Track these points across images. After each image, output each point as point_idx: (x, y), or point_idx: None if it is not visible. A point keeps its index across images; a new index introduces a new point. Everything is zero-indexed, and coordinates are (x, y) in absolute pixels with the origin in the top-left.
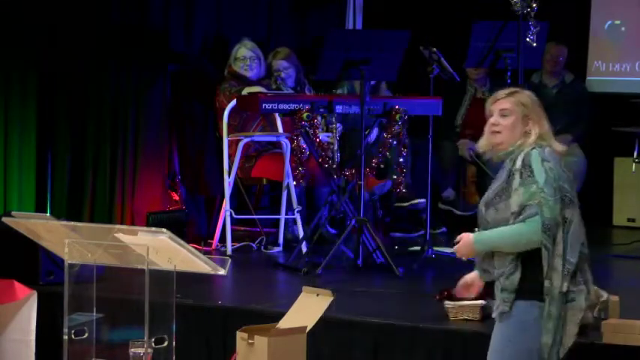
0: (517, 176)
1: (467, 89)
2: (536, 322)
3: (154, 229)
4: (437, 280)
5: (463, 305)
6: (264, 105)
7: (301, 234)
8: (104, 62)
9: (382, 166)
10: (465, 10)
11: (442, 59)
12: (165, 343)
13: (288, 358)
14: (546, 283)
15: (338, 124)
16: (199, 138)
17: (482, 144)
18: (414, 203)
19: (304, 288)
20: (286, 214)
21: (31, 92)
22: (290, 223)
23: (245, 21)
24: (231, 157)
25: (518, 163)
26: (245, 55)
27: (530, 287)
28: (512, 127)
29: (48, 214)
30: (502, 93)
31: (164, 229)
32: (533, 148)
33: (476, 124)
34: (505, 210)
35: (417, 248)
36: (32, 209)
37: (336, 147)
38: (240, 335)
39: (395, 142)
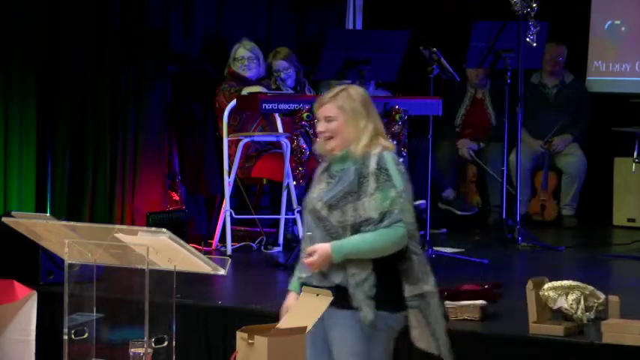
0: (372, 180)
1: (467, 89)
2: (390, 331)
3: (153, 229)
4: (437, 280)
5: (463, 305)
6: (264, 105)
7: (301, 234)
8: (104, 63)
9: None
10: (465, 10)
11: (442, 59)
12: (166, 343)
13: (287, 358)
14: (426, 287)
15: None
16: (199, 138)
17: (318, 149)
18: (414, 204)
19: (304, 288)
20: (286, 214)
21: (31, 92)
22: (290, 223)
23: (245, 21)
24: (231, 157)
25: (372, 165)
26: (244, 56)
27: (388, 296)
28: (342, 129)
29: (48, 214)
30: (326, 97)
31: (164, 229)
32: (383, 150)
33: (476, 124)
34: (353, 213)
35: None
36: (32, 209)
37: None
38: (239, 335)
39: (395, 142)
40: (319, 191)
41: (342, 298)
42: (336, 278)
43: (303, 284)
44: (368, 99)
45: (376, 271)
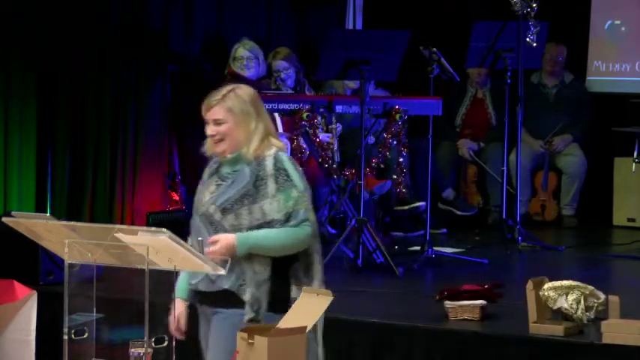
0: (271, 182)
1: (467, 89)
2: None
3: (153, 229)
4: (437, 280)
5: (463, 305)
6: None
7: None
8: (104, 63)
9: (382, 165)
10: (466, 10)
11: (442, 59)
12: (165, 343)
13: (287, 358)
14: (295, 293)
15: (337, 124)
16: (199, 138)
17: (208, 151)
18: (415, 207)
19: (304, 288)
20: None
21: (31, 92)
22: None
23: (245, 21)
24: None
25: (269, 167)
26: (243, 55)
27: (281, 298)
28: (233, 132)
29: (48, 214)
30: (214, 99)
31: (164, 229)
32: (277, 151)
33: (476, 124)
34: (247, 216)
35: (417, 248)
36: (32, 209)
37: (335, 147)
38: (240, 335)
39: (395, 142)
40: (210, 194)
41: (227, 300)
42: (225, 283)
43: (194, 291)
44: (257, 98)
45: (273, 273)
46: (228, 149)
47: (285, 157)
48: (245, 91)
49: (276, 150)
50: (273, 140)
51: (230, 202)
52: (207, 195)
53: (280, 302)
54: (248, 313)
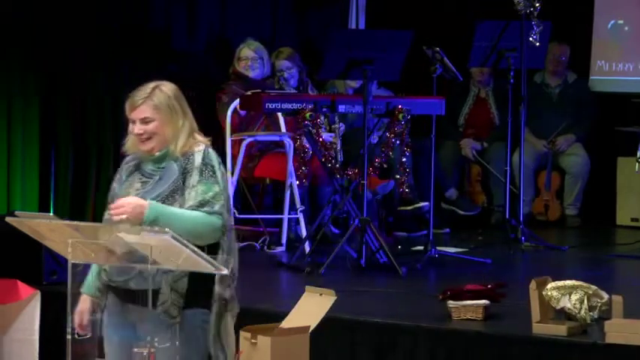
0: (195, 173)
1: (470, 89)
2: (203, 331)
3: (157, 228)
4: (440, 280)
5: (466, 305)
6: (267, 104)
7: (304, 234)
8: (105, 62)
9: (385, 165)
10: (469, 9)
11: (445, 59)
12: (168, 343)
13: (291, 357)
14: (218, 288)
15: (340, 124)
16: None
17: (130, 150)
18: (418, 207)
19: (307, 288)
20: (289, 213)
21: (33, 92)
22: (293, 223)
23: (249, 20)
24: (234, 156)
25: (197, 160)
26: (247, 56)
27: (198, 293)
28: (160, 129)
29: (51, 214)
30: (139, 97)
31: (167, 229)
32: (207, 148)
33: (479, 124)
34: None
35: (421, 248)
36: (35, 209)
37: (339, 146)
38: (243, 335)
39: (398, 142)
40: (136, 192)
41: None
42: (158, 282)
43: (111, 287)
44: (181, 95)
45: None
46: (156, 147)
47: (213, 154)
48: (169, 87)
49: (205, 146)
50: (199, 136)
51: (161, 197)
52: (133, 192)
53: (201, 297)
54: (169, 311)
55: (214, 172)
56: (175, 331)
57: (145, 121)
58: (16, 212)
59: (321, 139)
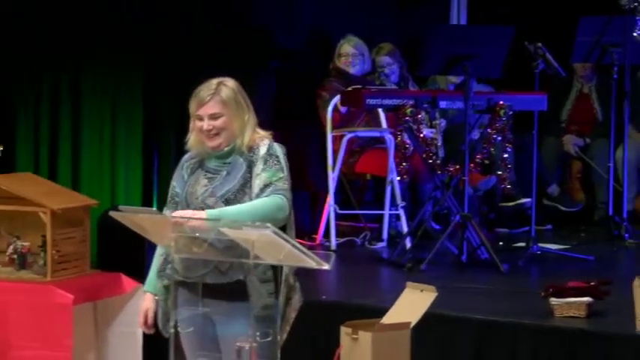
0: (260, 163)
1: (573, 84)
2: (276, 318)
3: (258, 223)
4: (542, 277)
5: (569, 302)
6: (368, 101)
7: (405, 229)
8: (207, 60)
9: (486, 161)
10: (572, 4)
11: (547, 54)
12: (270, 338)
13: (391, 353)
14: (286, 277)
15: (441, 120)
16: (303, 133)
17: (195, 148)
18: (520, 203)
19: (408, 284)
20: (390, 209)
21: (138, 89)
22: (394, 219)
23: (349, 16)
24: (335, 152)
25: (262, 151)
26: (348, 52)
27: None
28: (228, 124)
29: (154, 209)
30: (205, 94)
31: (269, 224)
32: (272, 141)
33: (581, 120)
34: (249, 197)
35: (522, 244)
36: (139, 203)
37: (439, 142)
38: (344, 330)
39: (499, 138)
40: (203, 188)
41: (238, 292)
42: (239, 274)
43: (185, 283)
44: (243, 90)
45: None
46: (223, 142)
47: (277, 146)
48: (232, 82)
49: (269, 140)
50: (262, 132)
51: (232, 192)
52: (200, 189)
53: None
54: (259, 302)
55: (279, 161)
56: (271, 324)
57: (213, 116)
58: (120, 207)
59: (421, 135)
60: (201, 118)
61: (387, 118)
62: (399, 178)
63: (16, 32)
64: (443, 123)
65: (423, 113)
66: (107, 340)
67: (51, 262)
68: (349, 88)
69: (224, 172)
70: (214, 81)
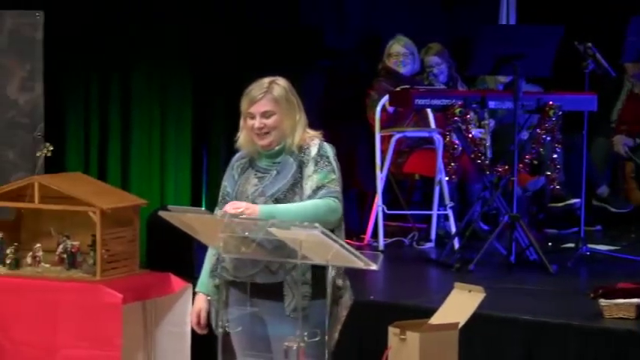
0: (311, 164)
1: (623, 84)
2: (323, 318)
3: (306, 223)
4: (591, 278)
5: (618, 303)
6: (416, 101)
7: (453, 230)
8: (256, 60)
9: (535, 162)
10: (622, 3)
11: (597, 54)
12: (318, 338)
13: (439, 354)
14: (332, 276)
15: (490, 120)
16: (352, 133)
17: (245, 147)
18: (569, 204)
19: (456, 284)
20: (438, 209)
21: (187, 90)
22: (442, 219)
23: (398, 16)
24: (383, 152)
25: (313, 152)
26: (398, 52)
27: (319, 283)
28: (280, 123)
29: (203, 209)
30: (258, 93)
31: (317, 224)
32: (322, 141)
33: (632, 120)
34: (300, 197)
35: (571, 245)
36: (188, 203)
37: (488, 143)
38: (392, 330)
39: (548, 138)
40: (254, 187)
41: (283, 291)
42: (287, 274)
43: (235, 282)
44: (294, 89)
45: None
46: (274, 141)
47: (328, 147)
48: (284, 81)
49: (319, 140)
50: (312, 131)
51: (282, 192)
52: (250, 188)
53: (322, 287)
54: (291, 303)
55: (330, 162)
56: (319, 324)
57: (265, 114)
58: (169, 206)
59: (470, 135)
60: (252, 116)
61: (436, 119)
62: (447, 179)
63: (67, 33)
64: (492, 123)
65: (472, 113)
66: (156, 340)
67: (100, 261)
68: (398, 88)
69: (274, 172)
70: (266, 80)
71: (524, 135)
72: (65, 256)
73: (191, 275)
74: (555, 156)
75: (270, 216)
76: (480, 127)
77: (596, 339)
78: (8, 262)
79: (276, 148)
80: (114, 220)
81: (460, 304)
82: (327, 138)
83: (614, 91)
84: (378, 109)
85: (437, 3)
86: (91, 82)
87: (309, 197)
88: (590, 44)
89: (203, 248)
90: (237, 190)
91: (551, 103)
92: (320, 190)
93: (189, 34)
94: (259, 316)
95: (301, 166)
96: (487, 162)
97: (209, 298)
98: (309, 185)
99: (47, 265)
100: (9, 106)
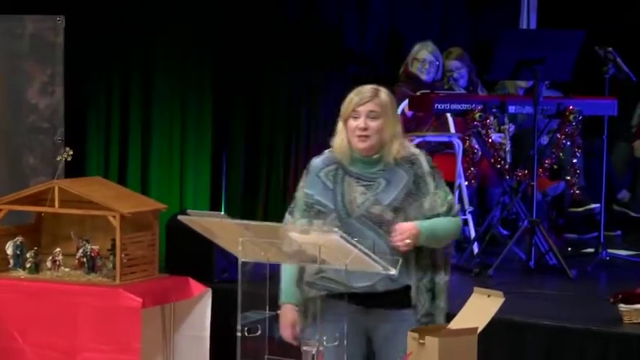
0: (429, 179)
1: None
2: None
3: (325, 228)
4: (611, 283)
5: (638, 309)
6: (436, 105)
7: (473, 234)
8: (277, 64)
9: (555, 167)
10: None
11: (618, 59)
12: (337, 342)
13: (458, 358)
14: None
15: (510, 125)
16: None
17: (339, 150)
18: (589, 208)
19: (475, 289)
20: None
21: (207, 93)
22: (461, 224)
23: (419, 20)
24: None
25: (426, 166)
26: (425, 58)
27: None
28: (383, 129)
29: (222, 213)
30: (366, 95)
31: (336, 229)
32: (422, 152)
33: None
34: (415, 213)
35: (591, 250)
36: (207, 207)
37: (508, 147)
38: (411, 335)
39: (568, 143)
40: (362, 195)
41: (402, 298)
42: (407, 279)
43: (351, 293)
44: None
45: (432, 265)
46: (373, 147)
47: (430, 159)
48: (387, 91)
49: (420, 151)
50: (407, 142)
51: (399, 201)
52: (358, 196)
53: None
54: (422, 309)
55: (440, 175)
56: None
57: (371, 115)
58: (189, 211)
59: (490, 140)
60: (357, 117)
61: (456, 123)
62: (467, 183)
63: (88, 37)
64: (512, 128)
65: (492, 118)
66: (174, 344)
67: (120, 265)
68: (417, 93)
69: (382, 180)
70: (370, 86)
71: (544, 140)
72: (85, 260)
73: (210, 280)
74: (575, 161)
75: (431, 232)
76: (499, 131)
77: (615, 344)
78: (28, 265)
79: (374, 155)
80: (133, 224)
81: (479, 309)
82: None
83: (634, 96)
84: (398, 113)
85: (457, 7)
86: (111, 87)
87: (439, 215)
88: (610, 49)
89: (222, 252)
90: (345, 200)
91: (571, 107)
92: (452, 209)
93: (210, 37)
94: (371, 325)
95: (416, 180)
96: (507, 167)
97: (297, 308)
98: (438, 203)
99: (67, 269)
100: (29, 110)
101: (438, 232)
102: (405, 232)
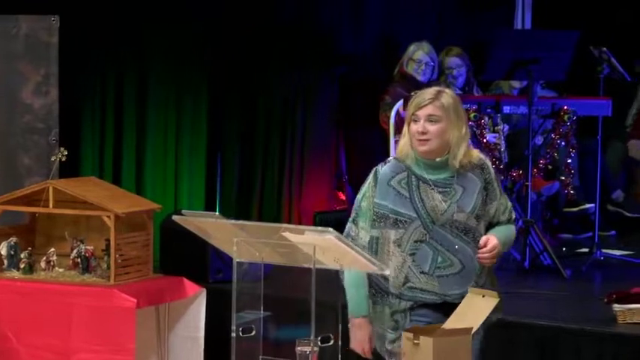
0: (496, 186)
1: (638, 89)
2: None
3: (320, 228)
4: (605, 283)
5: (632, 309)
6: None
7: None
8: (272, 65)
9: (550, 167)
10: (636, 8)
11: (612, 59)
12: (332, 342)
13: (453, 358)
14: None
15: (504, 125)
16: (366, 138)
17: (403, 154)
18: (584, 208)
19: (470, 289)
20: None
21: (203, 94)
22: None
23: (414, 21)
24: None
25: (492, 172)
26: (422, 59)
27: None
28: (444, 132)
29: (217, 213)
30: (426, 98)
31: (330, 229)
32: (486, 156)
33: None
34: (487, 218)
35: (586, 250)
36: (202, 208)
37: (503, 147)
38: (405, 335)
39: (563, 143)
40: (443, 202)
41: None
42: (488, 284)
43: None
44: (461, 104)
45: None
46: (434, 151)
47: None
48: (453, 93)
49: (485, 155)
50: (471, 147)
51: (479, 207)
52: (439, 204)
53: None
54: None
55: (500, 181)
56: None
57: (430, 119)
58: (183, 211)
59: (485, 140)
60: (417, 120)
61: None
62: None
63: (83, 37)
64: (506, 128)
65: (487, 118)
66: (169, 344)
67: (114, 265)
68: (412, 93)
69: (458, 187)
70: (434, 88)
71: (539, 140)
72: (79, 260)
73: (205, 280)
74: (570, 161)
75: (504, 244)
76: (494, 131)
77: (609, 344)
78: (22, 266)
79: (438, 159)
80: (128, 224)
81: (474, 309)
82: (343, 143)
83: (629, 96)
84: (393, 113)
85: (452, 8)
86: (106, 87)
87: (505, 221)
88: (604, 49)
89: (217, 253)
90: (428, 207)
91: (565, 107)
92: (512, 216)
93: (204, 38)
94: None
95: (486, 184)
96: (501, 167)
97: (369, 319)
98: (501, 210)
99: (61, 270)
100: (24, 110)
101: (507, 243)
102: (494, 249)
